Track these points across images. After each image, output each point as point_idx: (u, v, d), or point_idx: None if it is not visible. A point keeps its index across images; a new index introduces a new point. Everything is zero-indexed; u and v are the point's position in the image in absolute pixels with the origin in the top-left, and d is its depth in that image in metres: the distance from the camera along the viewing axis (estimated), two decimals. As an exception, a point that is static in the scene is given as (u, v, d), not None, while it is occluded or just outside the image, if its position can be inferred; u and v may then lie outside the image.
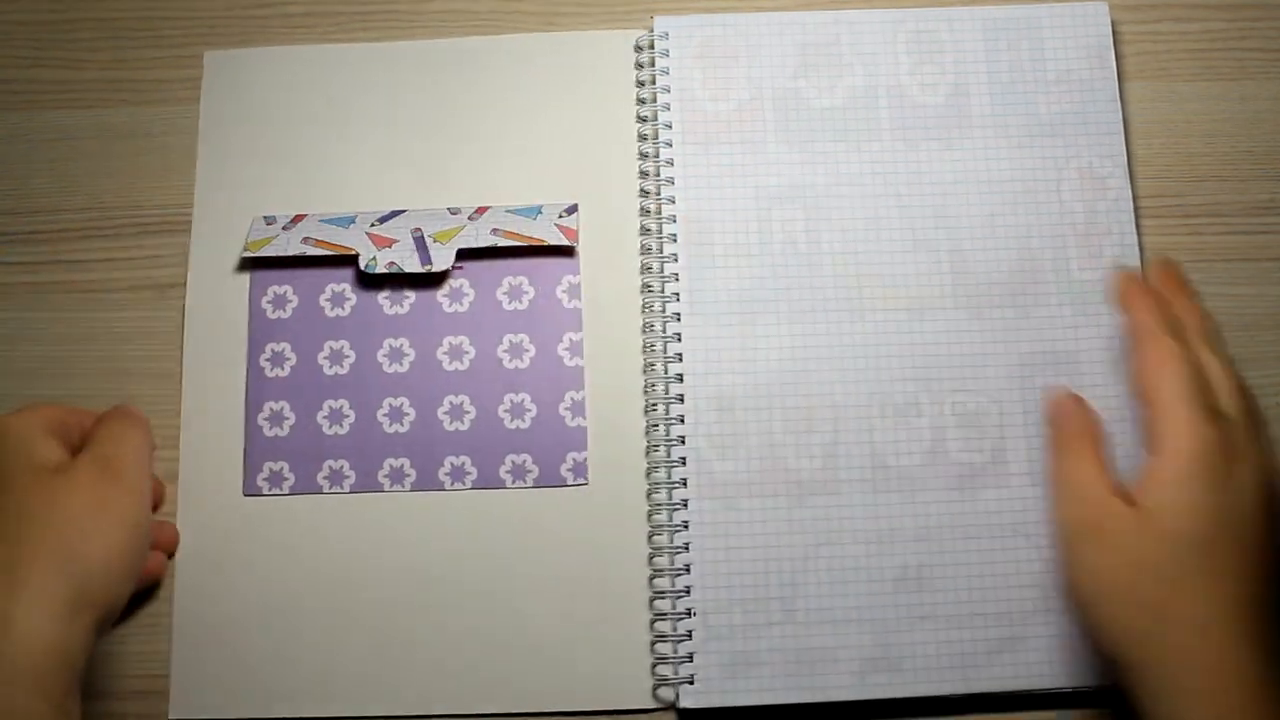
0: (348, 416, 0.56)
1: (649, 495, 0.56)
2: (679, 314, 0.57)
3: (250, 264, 0.58)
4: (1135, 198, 0.59)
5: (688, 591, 0.54)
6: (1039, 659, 0.53)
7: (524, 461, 0.56)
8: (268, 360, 0.57)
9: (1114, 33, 0.60)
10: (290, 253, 0.57)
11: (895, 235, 0.58)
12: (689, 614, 0.54)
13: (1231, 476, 0.46)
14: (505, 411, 0.56)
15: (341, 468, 0.56)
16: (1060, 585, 0.51)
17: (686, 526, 0.54)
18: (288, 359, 0.57)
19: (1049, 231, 0.58)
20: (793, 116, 0.59)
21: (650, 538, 0.55)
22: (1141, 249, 0.58)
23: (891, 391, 0.56)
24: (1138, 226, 0.58)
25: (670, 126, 0.59)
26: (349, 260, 0.58)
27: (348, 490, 0.56)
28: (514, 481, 0.56)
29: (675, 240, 0.58)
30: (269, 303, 0.58)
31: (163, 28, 0.62)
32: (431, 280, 0.58)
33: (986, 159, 0.59)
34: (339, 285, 0.58)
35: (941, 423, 0.55)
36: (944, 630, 0.53)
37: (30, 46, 0.62)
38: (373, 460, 0.56)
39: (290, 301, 0.58)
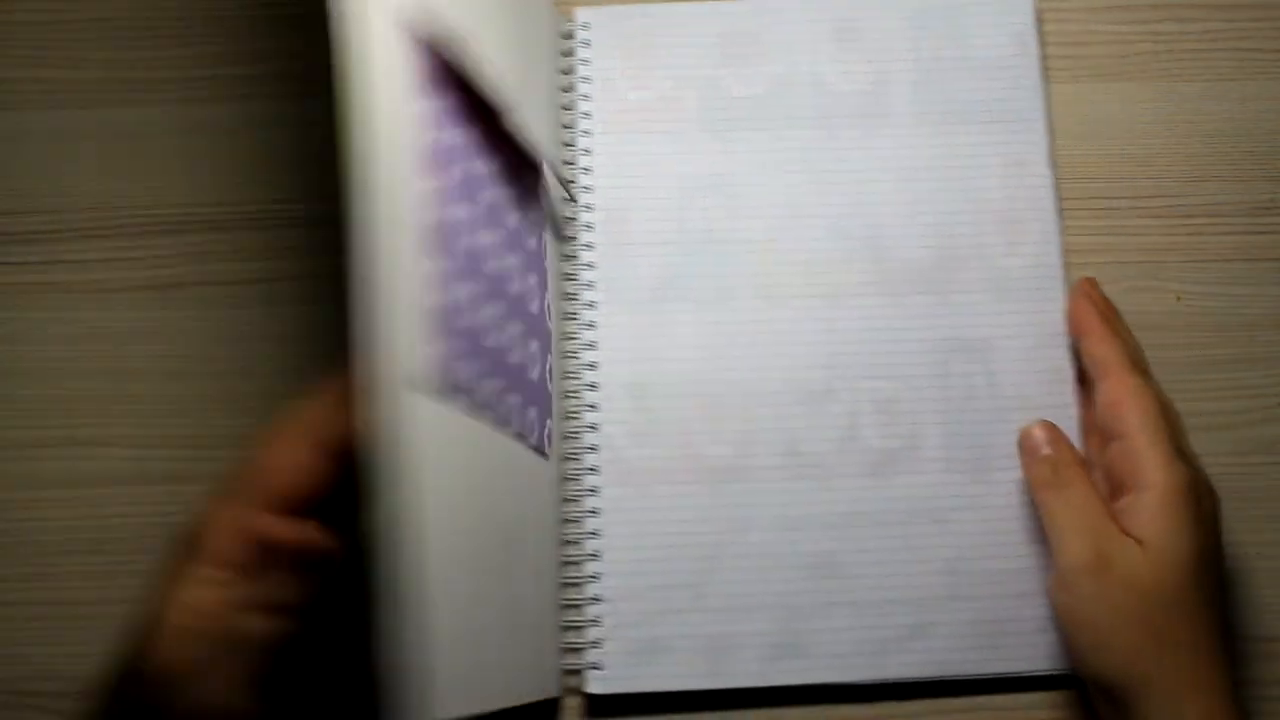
0: None
1: (563, 481, 0.55)
2: (594, 302, 0.57)
3: None
4: (1058, 184, 0.58)
5: (597, 578, 0.54)
6: (949, 646, 0.52)
7: (533, 418, 0.53)
8: None
9: (1037, 20, 0.60)
10: None
11: (815, 223, 0.57)
12: (597, 600, 0.54)
13: (1203, 509, 0.48)
14: (528, 357, 0.54)
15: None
16: (1060, 610, 0.51)
17: (596, 513, 0.55)
18: None
19: (969, 219, 0.57)
20: (714, 105, 0.59)
21: (562, 523, 0.55)
22: (1062, 236, 0.57)
23: (807, 379, 0.55)
24: (1059, 213, 0.58)
25: (590, 115, 0.59)
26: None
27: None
28: (528, 438, 0.53)
29: (591, 229, 0.58)
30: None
31: (162, 27, 0.62)
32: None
33: (908, 146, 0.58)
34: None
35: (856, 409, 0.55)
36: (855, 617, 0.52)
37: (30, 46, 0.62)
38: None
39: None
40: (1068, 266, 0.57)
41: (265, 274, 0.59)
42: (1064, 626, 0.51)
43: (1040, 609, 0.53)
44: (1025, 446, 0.53)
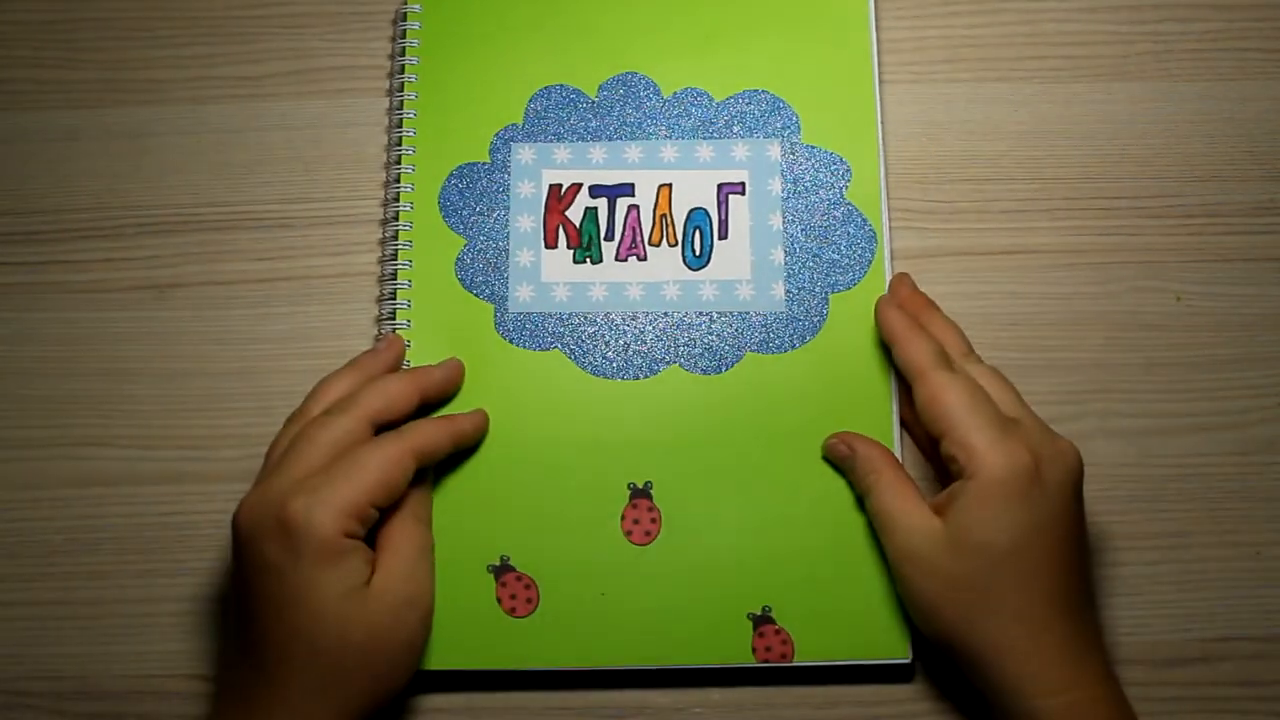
0: None
1: None
2: (409, 300, 0.57)
3: None
4: (887, 190, 0.59)
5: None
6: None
7: None
8: None
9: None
10: None
11: None
12: None
13: (1042, 481, 0.48)
14: None
15: None
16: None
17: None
18: None
19: None
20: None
21: None
22: (890, 240, 0.58)
23: None
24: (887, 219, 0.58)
25: (416, 97, 0.60)
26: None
27: None
28: None
29: (406, 223, 0.58)
30: None
31: (162, 28, 0.62)
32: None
33: None
34: None
35: None
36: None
37: (30, 46, 0.62)
38: None
39: None
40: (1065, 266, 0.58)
41: (265, 274, 0.59)
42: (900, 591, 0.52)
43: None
44: (838, 454, 0.54)
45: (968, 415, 0.49)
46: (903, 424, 0.55)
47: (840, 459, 0.54)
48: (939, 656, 0.53)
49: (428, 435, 0.51)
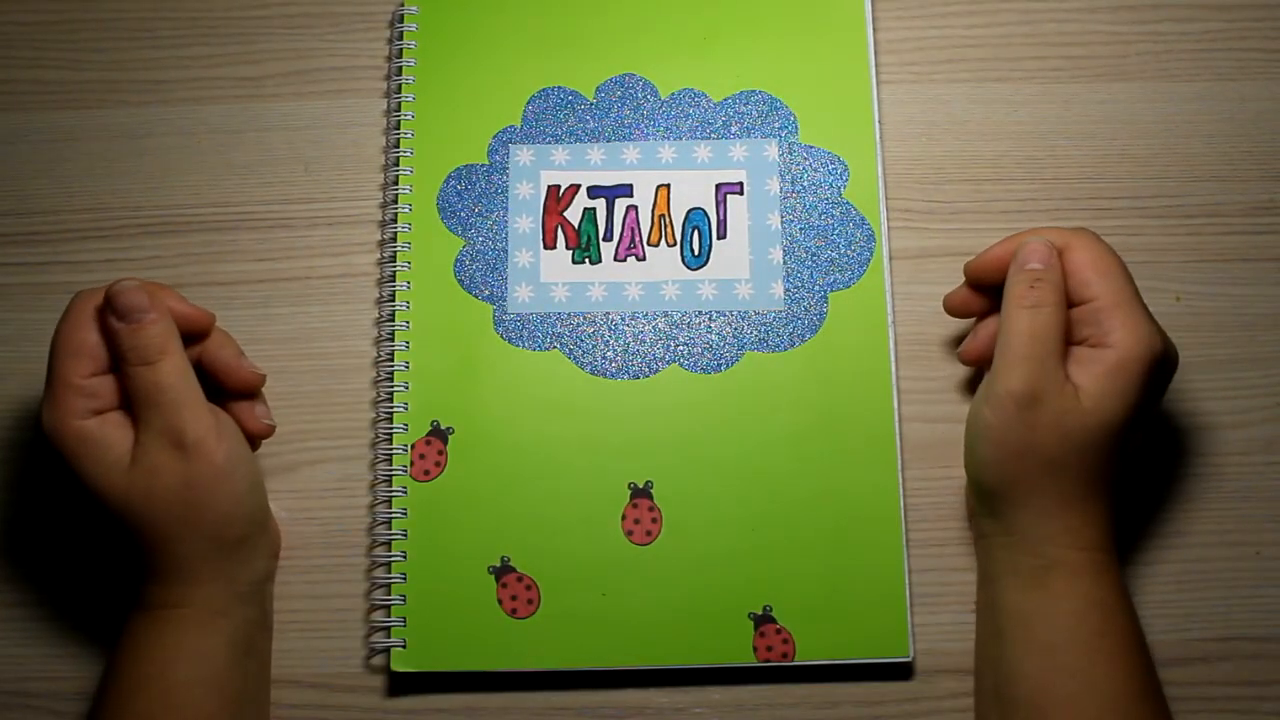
0: None
1: (373, 465, 0.57)
2: (409, 301, 0.58)
3: None
4: (885, 189, 0.59)
5: (405, 555, 0.55)
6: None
7: None
8: None
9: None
10: None
11: None
12: (404, 578, 0.55)
13: (1154, 377, 0.49)
14: None
15: None
16: (974, 417, 0.51)
17: (407, 491, 0.56)
18: None
19: None
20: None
21: (372, 508, 0.56)
22: (889, 239, 0.59)
23: None
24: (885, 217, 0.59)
25: (414, 99, 0.61)
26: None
27: None
28: None
29: (405, 225, 0.59)
30: None
31: (162, 28, 0.62)
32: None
33: None
34: None
35: None
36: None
37: (31, 47, 0.62)
38: None
39: None
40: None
41: (265, 274, 0.59)
42: (971, 431, 0.51)
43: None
44: (1017, 256, 0.51)
45: (1123, 286, 0.49)
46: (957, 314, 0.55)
47: (1022, 260, 0.50)
48: (938, 656, 0.53)
49: (106, 288, 0.49)
